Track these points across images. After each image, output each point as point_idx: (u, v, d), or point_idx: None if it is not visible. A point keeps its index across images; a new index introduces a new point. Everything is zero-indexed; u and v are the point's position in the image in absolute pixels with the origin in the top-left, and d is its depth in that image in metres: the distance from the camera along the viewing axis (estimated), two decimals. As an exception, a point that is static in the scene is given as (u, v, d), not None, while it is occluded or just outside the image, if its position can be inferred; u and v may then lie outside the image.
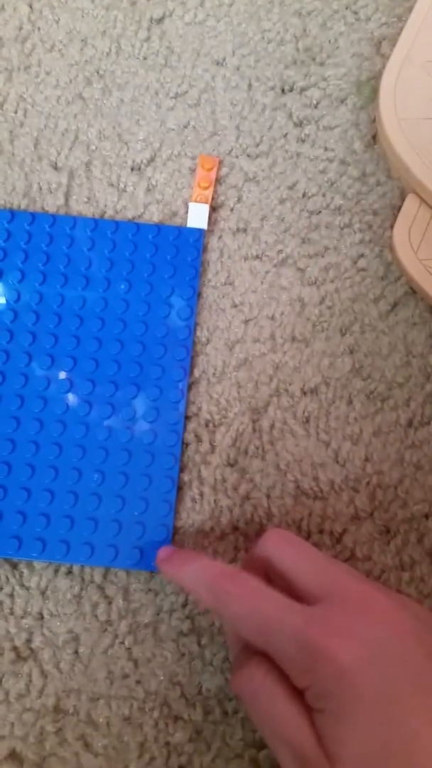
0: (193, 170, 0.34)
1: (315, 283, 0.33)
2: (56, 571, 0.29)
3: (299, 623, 0.21)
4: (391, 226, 0.34)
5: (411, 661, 0.20)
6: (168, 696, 0.28)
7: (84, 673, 0.28)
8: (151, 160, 0.35)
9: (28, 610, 0.29)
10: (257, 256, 0.34)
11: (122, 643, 0.28)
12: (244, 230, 0.34)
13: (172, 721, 0.27)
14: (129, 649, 0.28)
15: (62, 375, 0.30)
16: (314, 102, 0.36)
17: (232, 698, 0.28)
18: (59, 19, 0.37)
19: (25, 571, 0.29)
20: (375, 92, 0.36)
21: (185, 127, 0.35)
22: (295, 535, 0.25)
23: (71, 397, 0.30)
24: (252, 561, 0.25)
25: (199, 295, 0.33)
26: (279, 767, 0.26)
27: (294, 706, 0.21)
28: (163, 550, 0.28)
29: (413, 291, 0.33)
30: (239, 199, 0.34)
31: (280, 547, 0.24)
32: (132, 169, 0.34)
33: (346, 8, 0.37)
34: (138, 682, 0.28)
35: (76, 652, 0.28)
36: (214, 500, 0.30)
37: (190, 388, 0.31)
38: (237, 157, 0.35)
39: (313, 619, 0.21)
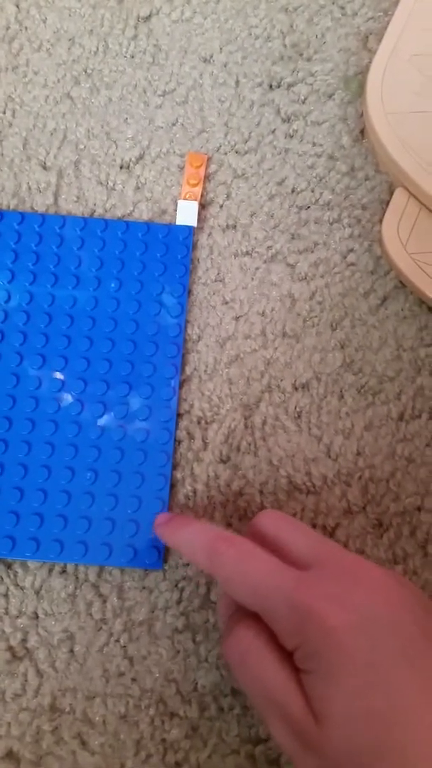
0: (181, 168, 0.34)
1: (305, 278, 0.33)
2: (50, 570, 0.29)
3: (291, 585, 0.21)
4: (380, 221, 0.34)
5: (400, 629, 0.21)
6: (163, 693, 0.28)
7: (79, 671, 0.28)
8: (140, 158, 0.35)
9: (23, 609, 0.29)
10: (247, 253, 0.34)
11: (117, 641, 0.28)
12: (234, 227, 0.34)
13: (168, 718, 0.27)
14: (124, 647, 0.28)
15: (54, 374, 0.30)
16: (302, 97, 0.36)
17: (228, 694, 0.28)
18: (46, 18, 0.37)
19: (20, 571, 0.29)
20: (362, 87, 0.36)
21: (173, 124, 0.35)
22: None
23: (63, 397, 0.30)
24: (246, 537, 0.25)
25: (190, 292, 0.33)
26: (275, 763, 0.27)
27: (282, 668, 0.21)
28: (160, 516, 0.28)
29: (403, 285, 0.33)
30: (228, 196, 0.34)
31: (275, 523, 0.25)
32: (121, 168, 0.34)
33: (333, 3, 0.37)
34: (133, 679, 0.28)
35: (71, 650, 0.28)
36: (207, 497, 0.30)
37: (181, 385, 0.31)
38: (225, 153, 0.35)
39: (305, 581, 0.21)
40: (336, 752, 0.20)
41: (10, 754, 0.27)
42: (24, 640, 0.28)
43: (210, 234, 0.34)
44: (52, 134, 0.35)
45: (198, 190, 0.34)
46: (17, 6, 0.37)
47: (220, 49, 0.36)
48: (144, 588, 0.29)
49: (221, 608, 0.26)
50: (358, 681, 0.20)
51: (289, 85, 0.36)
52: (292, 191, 0.34)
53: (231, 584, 0.22)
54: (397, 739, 0.19)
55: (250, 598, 0.22)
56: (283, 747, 0.21)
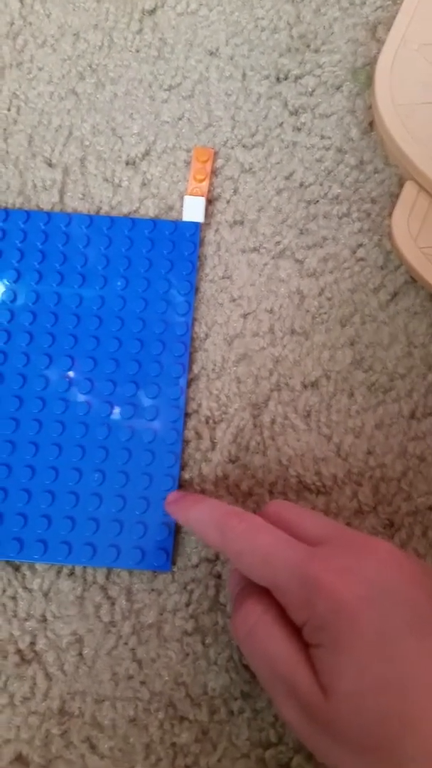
0: (188, 163, 0.34)
1: (314, 274, 0.33)
2: (58, 572, 0.29)
3: (302, 558, 0.21)
4: (390, 215, 0.33)
5: (412, 603, 0.20)
6: (173, 696, 0.27)
7: (88, 674, 0.28)
8: (146, 153, 0.34)
9: (31, 612, 0.28)
10: (255, 249, 0.33)
11: (126, 644, 0.28)
12: (241, 222, 0.33)
13: (177, 722, 0.27)
14: (133, 649, 0.28)
15: (60, 375, 0.30)
16: (309, 90, 0.35)
17: (238, 698, 0.27)
18: (50, 13, 0.36)
19: (28, 574, 0.29)
20: (371, 78, 0.35)
21: (180, 119, 0.35)
22: None
23: (70, 397, 0.30)
24: None
25: (197, 289, 0.32)
26: (286, 767, 0.27)
27: (291, 643, 0.21)
28: (172, 494, 0.28)
29: (413, 280, 0.32)
30: (235, 191, 0.34)
31: (284, 509, 0.25)
32: (127, 164, 0.34)
33: (341, -7, 0.36)
34: (143, 683, 0.28)
35: (80, 653, 0.28)
36: (216, 497, 0.30)
37: (189, 384, 0.31)
38: (232, 148, 0.34)
39: (316, 555, 0.21)
40: (345, 725, 0.19)
41: (19, 758, 0.27)
42: (32, 643, 0.28)
43: (217, 230, 0.33)
44: (57, 131, 0.35)
45: (205, 185, 0.33)
46: (21, 1, 0.36)
47: (227, 41, 0.36)
48: (153, 590, 0.28)
49: (231, 585, 0.26)
50: (368, 653, 0.19)
51: (297, 78, 0.35)
52: (300, 185, 0.34)
53: (242, 558, 0.22)
54: (408, 712, 0.19)
55: (261, 571, 0.22)
56: (291, 724, 0.21)
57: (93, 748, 0.27)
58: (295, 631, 0.21)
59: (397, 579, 0.21)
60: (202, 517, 0.25)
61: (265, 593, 0.22)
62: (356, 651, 0.20)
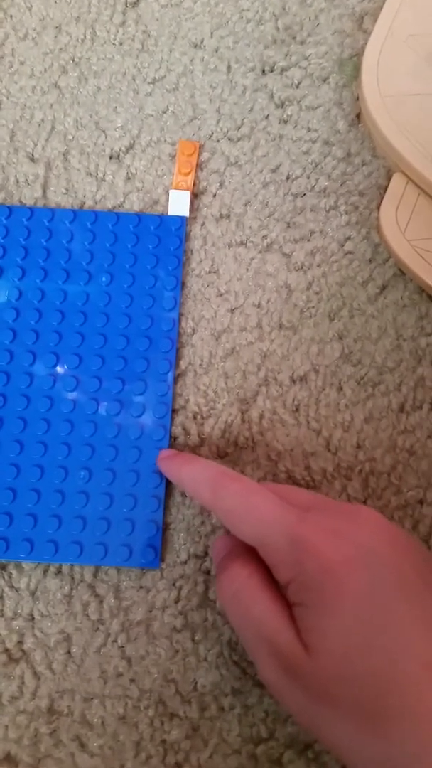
0: (173, 156, 0.34)
1: (301, 268, 0.32)
2: (45, 571, 0.28)
3: (293, 519, 0.21)
4: (378, 207, 0.33)
5: (399, 567, 0.21)
6: (163, 693, 0.27)
7: (77, 673, 0.28)
8: (130, 147, 0.34)
9: (19, 611, 0.28)
10: (242, 243, 0.33)
11: (115, 641, 0.28)
12: (228, 216, 0.33)
13: (167, 719, 0.27)
14: (122, 647, 0.28)
15: (45, 372, 0.30)
16: (296, 82, 0.35)
17: (228, 694, 0.27)
18: (31, 5, 0.36)
19: (14, 573, 0.28)
20: (357, 70, 0.35)
21: (164, 112, 0.34)
22: None
23: (55, 394, 0.29)
24: None
25: (183, 284, 0.32)
26: (278, 762, 0.26)
27: (275, 603, 0.21)
28: (164, 451, 0.29)
29: (402, 273, 0.32)
30: (221, 185, 0.33)
31: (273, 484, 0.26)
32: (110, 158, 0.34)
33: (326, -17, 0.36)
34: (132, 680, 0.27)
35: (68, 652, 0.28)
36: (204, 494, 0.29)
37: (176, 380, 0.31)
38: (218, 141, 0.34)
39: (307, 518, 0.22)
40: (327, 683, 0.20)
41: (8, 758, 0.27)
42: (20, 642, 0.28)
43: (203, 224, 0.33)
44: (39, 125, 0.34)
45: (190, 179, 0.33)
46: (2, -6, 0.36)
47: (211, 33, 0.35)
48: (141, 587, 0.28)
49: (215, 550, 0.26)
50: (356, 613, 0.20)
51: (283, 70, 0.35)
52: (287, 178, 0.33)
53: (233, 516, 0.23)
54: (394, 675, 0.19)
55: (251, 529, 0.22)
56: (272, 686, 0.21)
57: (82, 746, 0.27)
58: (279, 593, 0.22)
59: (385, 544, 0.21)
60: (194, 475, 0.25)
61: (249, 558, 0.23)
62: (343, 611, 0.20)
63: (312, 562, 0.20)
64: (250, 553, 0.23)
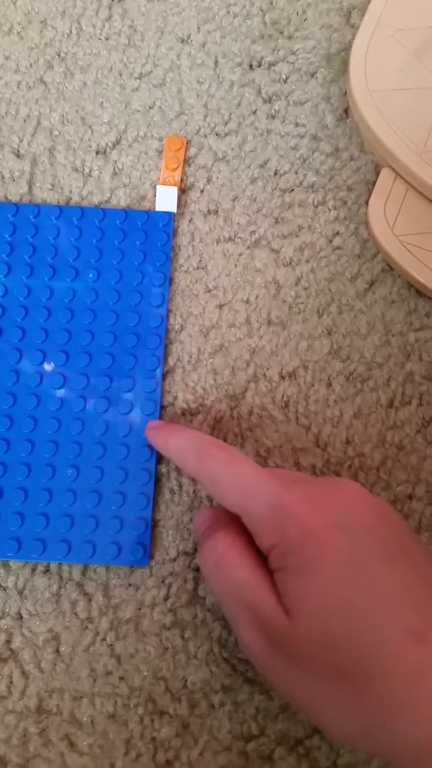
0: (160, 152, 0.33)
1: (290, 263, 0.32)
2: (33, 570, 0.28)
3: (277, 488, 0.22)
4: (366, 202, 0.33)
5: (381, 536, 0.21)
6: (152, 691, 0.27)
7: (66, 671, 0.27)
8: (117, 143, 0.33)
9: (6, 610, 0.28)
10: (230, 239, 0.33)
11: (104, 639, 0.28)
12: (215, 212, 0.33)
13: (157, 717, 0.27)
14: (111, 645, 0.28)
15: (32, 369, 0.30)
16: (283, 77, 0.35)
17: (218, 691, 0.27)
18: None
19: (2, 571, 0.28)
20: (345, 64, 0.34)
21: (151, 107, 0.34)
22: None
23: (42, 392, 0.29)
24: None
25: (171, 280, 0.32)
26: (268, 759, 0.26)
27: (256, 570, 0.22)
28: (153, 422, 0.29)
29: (390, 268, 0.32)
30: (209, 180, 0.33)
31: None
32: (97, 153, 0.33)
33: (313, -22, 0.36)
34: (121, 678, 0.27)
35: (57, 651, 0.28)
36: (193, 491, 0.29)
37: (165, 377, 0.31)
38: (205, 136, 0.34)
39: (290, 487, 0.22)
40: (307, 646, 0.20)
41: (-4, 758, 0.26)
42: (8, 642, 0.28)
43: (191, 220, 0.33)
44: (25, 121, 0.34)
45: (177, 174, 0.33)
46: (-13, -12, 0.36)
47: (198, 28, 0.35)
48: (130, 585, 0.28)
49: (197, 522, 0.26)
50: (335, 575, 0.20)
51: (270, 65, 0.35)
52: (275, 174, 0.33)
53: (218, 484, 0.23)
54: (372, 636, 0.19)
55: (235, 497, 0.22)
56: (252, 653, 0.21)
57: (72, 745, 0.27)
58: (261, 561, 0.22)
59: (366, 511, 0.22)
60: (181, 444, 0.25)
61: (232, 528, 0.23)
62: (322, 573, 0.20)
63: (293, 528, 0.21)
64: (233, 524, 0.23)
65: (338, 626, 0.19)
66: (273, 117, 0.34)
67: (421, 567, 0.21)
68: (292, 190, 0.33)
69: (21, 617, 0.28)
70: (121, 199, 0.33)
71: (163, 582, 0.28)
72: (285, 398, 0.31)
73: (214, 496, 0.24)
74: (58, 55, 0.35)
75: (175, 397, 0.30)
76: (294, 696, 0.21)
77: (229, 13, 0.35)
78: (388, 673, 0.19)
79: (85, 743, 0.27)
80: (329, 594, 0.20)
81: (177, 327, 0.31)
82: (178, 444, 0.26)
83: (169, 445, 0.26)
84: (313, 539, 0.20)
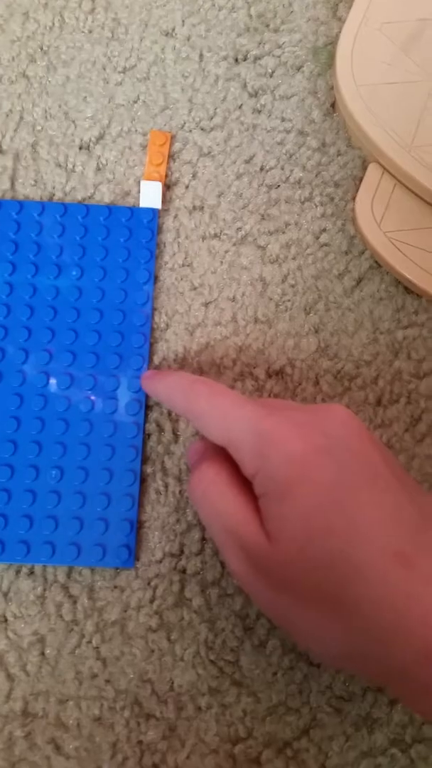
0: (144, 147, 0.33)
1: (276, 260, 0.32)
2: (17, 572, 0.28)
3: (259, 414, 0.22)
4: (354, 198, 0.32)
5: (367, 459, 0.21)
6: (139, 694, 0.27)
7: (51, 674, 0.27)
8: (100, 137, 0.33)
9: (-10, 613, 0.28)
10: (215, 235, 0.32)
11: (89, 642, 0.27)
12: (201, 208, 0.32)
13: (144, 720, 0.27)
14: (97, 648, 0.27)
15: (14, 368, 0.29)
16: (269, 71, 0.34)
17: (205, 693, 0.27)
18: (-2, -8, 0.35)
19: (-15, 574, 0.28)
20: (332, 58, 0.34)
21: (135, 102, 0.34)
22: None
23: (24, 392, 0.29)
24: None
25: (156, 278, 0.31)
26: (256, 761, 0.26)
27: (241, 497, 0.22)
28: (146, 373, 0.29)
29: (378, 265, 0.32)
30: (194, 176, 0.33)
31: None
32: (80, 149, 0.33)
33: (300, -30, 0.35)
34: (107, 681, 0.27)
35: (42, 653, 0.27)
36: (179, 491, 0.29)
37: (150, 376, 0.30)
38: (190, 131, 0.33)
39: (274, 413, 0.22)
40: (288, 569, 0.20)
41: (-19, 763, 0.26)
42: (-8, 645, 0.27)
43: (176, 216, 0.32)
44: (7, 116, 0.33)
45: (162, 169, 0.32)
46: (-33, -20, 0.35)
47: (183, 21, 0.35)
48: (115, 587, 0.28)
49: (189, 453, 0.27)
50: (319, 499, 0.20)
51: (256, 58, 0.34)
52: (261, 169, 0.33)
53: (202, 418, 0.23)
54: (354, 558, 0.19)
55: (218, 428, 0.22)
56: (238, 578, 0.22)
57: (58, 749, 0.26)
58: (247, 488, 0.22)
59: (355, 436, 0.21)
60: (170, 385, 0.26)
61: (219, 459, 0.23)
62: (305, 497, 0.20)
63: (277, 452, 0.21)
64: (221, 455, 0.23)
65: (318, 548, 0.19)
66: (259, 111, 0.34)
67: (412, 492, 0.21)
68: (279, 186, 0.33)
69: (6, 620, 0.28)
70: (105, 195, 0.32)
71: (149, 584, 0.28)
72: (272, 397, 0.30)
73: (201, 431, 0.24)
74: (41, 49, 0.34)
75: (161, 397, 0.30)
76: (279, 619, 0.21)
77: (214, 5, 0.35)
78: (373, 599, 0.19)
79: (71, 746, 0.26)
80: (311, 517, 0.20)
81: (162, 325, 0.31)
82: (166, 387, 0.26)
83: (158, 390, 0.27)
84: (295, 464, 0.20)
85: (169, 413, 0.30)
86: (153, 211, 0.31)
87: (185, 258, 0.32)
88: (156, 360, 0.30)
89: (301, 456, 0.20)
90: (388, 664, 0.19)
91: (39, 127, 0.33)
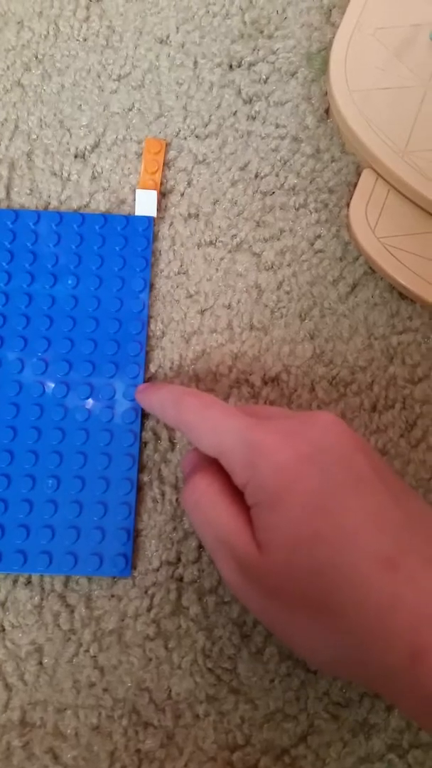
0: (139, 155, 0.33)
1: (272, 267, 0.32)
2: (15, 582, 0.28)
3: (248, 425, 0.22)
4: (348, 204, 0.32)
5: (353, 464, 0.21)
6: (136, 702, 0.27)
7: (49, 683, 0.27)
8: (95, 146, 0.33)
9: (-12, 623, 0.28)
10: (211, 243, 0.32)
11: (87, 651, 0.27)
12: (196, 216, 0.32)
13: (142, 728, 0.27)
14: (94, 657, 0.27)
15: (10, 378, 0.29)
16: (263, 77, 0.34)
17: (203, 701, 0.27)
18: (-8, 1, 0.35)
19: (-17, 584, 0.28)
20: (326, 64, 0.34)
21: (130, 110, 0.34)
22: None
23: (21, 401, 0.29)
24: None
25: (152, 286, 0.31)
26: (253, 767, 0.26)
27: (233, 507, 0.22)
28: (141, 386, 0.29)
29: (373, 271, 0.32)
30: (189, 183, 0.33)
31: (244, 406, 0.28)
32: (75, 157, 0.33)
33: (293, -24, 0.35)
34: (105, 690, 0.27)
35: (40, 663, 0.27)
36: (176, 499, 0.29)
37: (146, 383, 0.30)
38: (185, 138, 0.33)
39: (262, 423, 0.22)
40: (277, 578, 0.20)
41: (-21, 773, 0.26)
42: (-10, 655, 0.27)
43: (171, 224, 0.32)
44: (2, 125, 0.33)
45: (157, 177, 0.32)
46: (-39, -11, 0.35)
47: (177, 28, 0.35)
48: (113, 596, 0.28)
49: (183, 464, 0.27)
50: (305, 507, 0.20)
51: (250, 65, 0.34)
52: (256, 176, 0.33)
53: (193, 430, 0.23)
54: (342, 565, 0.19)
55: (209, 439, 0.23)
56: (230, 585, 0.22)
57: (56, 758, 0.26)
58: (239, 498, 0.22)
59: (340, 442, 0.22)
60: (162, 397, 0.26)
61: (212, 470, 0.23)
62: (292, 506, 0.20)
63: (266, 462, 0.21)
64: (213, 466, 0.23)
65: (306, 556, 0.20)
66: (253, 118, 0.34)
67: (398, 494, 0.21)
68: (273, 192, 0.33)
69: (3, 629, 0.28)
70: (100, 204, 0.32)
71: (146, 592, 0.28)
72: (268, 403, 0.30)
73: (192, 442, 0.24)
74: (36, 57, 0.34)
75: (157, 405, 0.30)
76: (272, 627, 0.22)
77: (208, 12, 0.35)
78: (359, 603, 0.19)
79: (69, 756, 0.26)
80: (299, 525, 0.20)
81: (158, 333, 0.31)
82: (158, 399, 0.26)
83: (152, 402, 0.27)
84: (283, 473, 0.21)
85: (166, 421, 0.30)
86: (148, 219, 0.31)
87: (181, 266, 0.32)
88: (152, 368, 0.30)
89: (286, 465, 0.21)
90: (377, 668, 0.19)
91: (34, 136, 0.33)
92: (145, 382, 0.30)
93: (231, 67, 0.34)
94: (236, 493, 0.22)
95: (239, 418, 0.22)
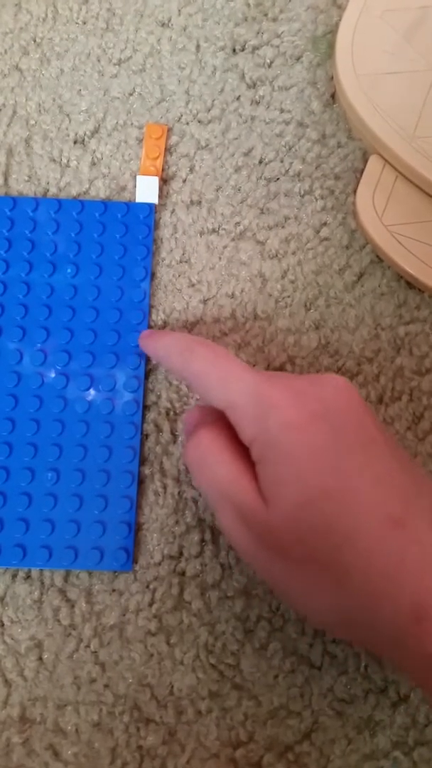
0: (140, 140, 0.32)
1: (276, 256, 0.31)
2: (14, 576, 0.27)
3: (259, 379, 0.22)
4: (354, 191, 0.31)
5: (362, 425, 0.21)
6: (138, 699, 0.26)
7: (49, 679, 0.27)
8: (95, 131, 0.32)
9: (-13, 618, 0.27)
10: (214, 230, 0.31)
11: (87, 646, 0.27)
12: (199, 203, 0.32)
13: (143, 725, 0.26)
14: (95, 652, 0.27)
15: (8, 369, 0.29)
16: (268, 61, 0.33)
17: (205, 697, 0.26)
18: (-10, -17, 0.34)
19: (-18, 578, 0.27)
20: (332, 47, 0.33)
21: (130, 94, 0.33)
22: None
23: (19, 393, 0.28)
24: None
25: (153, 275, 0.31)
26: (257, 765, 0.26)
27: (238, 462, 0.22)
28: (145, 331, 0.29)
29: (380, 259, 0.31)
30: (191, 169, 0.32)
31: None
32: (75, 143, 0.32)
33: (298, -43, 0.35)
34: (106, 686, 0.27)
35: (39, 658, 0.27)
36: (178, 492, 0.28)
37: (147, 375, 0.30)
38: (187, 123, 0.32)
39: (272, 377, 0.22)
40: (283, 534, 0.20)
41: (-22, 770, 0.26)
42: (-11, 650, 0.27)
43: (173, 211, 0.32)
44: (0, 110, 0.33)
45: (159, 163, 0.31)
46: (-42, -30, 0.34)
47: (179, 11, 0.34)
48: (114, 591, 0.27)
49: (185, 420, 0.27)
50: (315, 464, 0.20)
51: (254, 48, 0.33)
52: (260, 162, 0.32)
53: (201, 379, 0.23)
54: (348, 523, 0.19)
55: (217, 391, 0.22)
56: (233, 541, 0.22)
57: (56, 755, 0.26)
58: (244, 454, 0.22)
59: (351, 404, 0.22)
60: (168, 345, 0.25)
61: (217, 425, 0.23)
62: (300, 462, 0.20)
63: (275, 418, 0.21)
64: (218, 422, 0.23)
65: (315, 513, 0.19)
66: (257, 103, 0.33)
67: (404, 461, 0.21)
68: (278, 179, 0.32)
69: (2, 624, 0.27)
70: (100, 191, 0.31)
71: (147, 587, 0.27)
72: (272, 395, 0.30)
73: (199, 394, 0.24)
74: (34, 41, 0.34)
75: (159, 396, 0.29)
76: (275, 585, 0.21)
77: (211, -6, 0.34)
78: (366, 562, 0.19)
79: (69, 752, 0.26)
80: (307, 481, 0.20)
81: (160, 323, 0.30)
82: (164, 346, 0.26)
83: (157, 349, 0.27)
84: (294, 429, 0.20)
85: (167, 413, 0.29)
86: (149, 206, 0.31)
87: (183, 254, 0.31)
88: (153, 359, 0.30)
89: (297, 421, 0.20)
90: (382, 629, 0.19)
91: (32, 122, 0.32)
92: (146, 372, 0.29)
93: (234, 50, 0.34)
94: (241, 449, 0.22)
95: (251, 371, 0.22)
